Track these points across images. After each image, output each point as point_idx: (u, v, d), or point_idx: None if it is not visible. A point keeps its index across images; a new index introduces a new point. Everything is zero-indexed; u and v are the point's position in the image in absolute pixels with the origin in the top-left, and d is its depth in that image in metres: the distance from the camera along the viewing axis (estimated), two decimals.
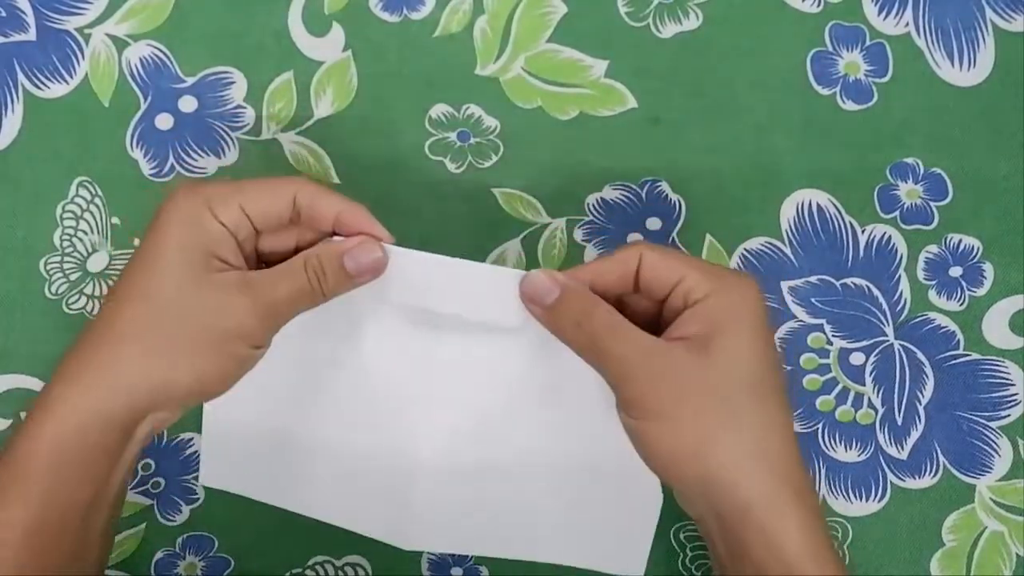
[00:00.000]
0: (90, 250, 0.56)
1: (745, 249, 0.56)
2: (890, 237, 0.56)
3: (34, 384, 0.56)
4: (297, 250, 0.49)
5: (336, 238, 0.48)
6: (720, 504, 0.46)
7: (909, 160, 0.56)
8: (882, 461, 0.58)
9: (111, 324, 0.46)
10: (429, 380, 0.50)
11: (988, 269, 0.57)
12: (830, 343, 0.57)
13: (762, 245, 0.56)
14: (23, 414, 0.56)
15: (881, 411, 0.57)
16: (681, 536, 0.58)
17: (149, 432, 0.47)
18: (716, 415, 0.45)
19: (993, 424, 0.57)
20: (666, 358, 0.45)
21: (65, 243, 0.55)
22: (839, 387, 0.57)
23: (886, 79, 0.56)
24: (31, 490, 0.44)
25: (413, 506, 0.51)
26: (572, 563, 0.53)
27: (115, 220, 0.55)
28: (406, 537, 0.52)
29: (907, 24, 0.56)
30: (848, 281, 0.56)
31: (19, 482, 0.45)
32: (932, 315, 0.57)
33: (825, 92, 0.56)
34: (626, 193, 0.56)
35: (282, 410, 0.52)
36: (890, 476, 0.58)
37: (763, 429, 0.46)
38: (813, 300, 0.57)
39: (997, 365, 0.57)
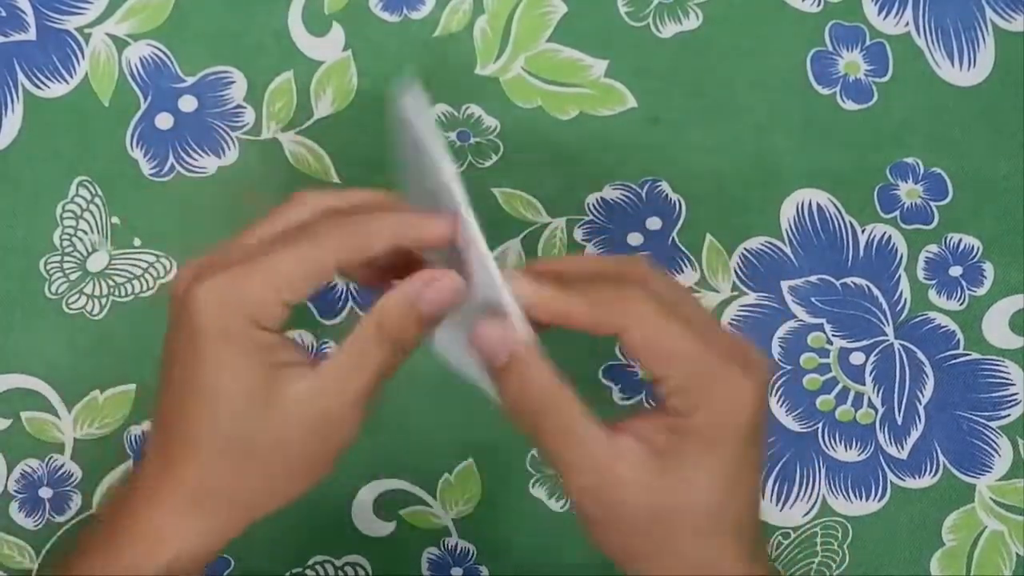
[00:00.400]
0: (90, 250, 0.56)
1: (745, 249, 0.56)
2: (890, 237, 0.56)
3: (34, 384, 0.56)
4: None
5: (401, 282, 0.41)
6: None
7: (909, 160, 0.56)
8: (882, 461, 0.58)
9: (195, 469, 0.41)
10: None
11: (988, 269, 0.57)
12: (830, 343, 0.57)
13: (762, 245, 0.56)
14: (23, 415, 0.56)
15: (881, 411, 0.57)
16: None
17: None
18: (658, 533, 0.41)
19: (993, 424, 0.57)
20: (613, 470, 0.40)
21: (65, 243, 0.55)
22: (839, 387, 0.57)
23: (886, 79, 0.56)
24: None
25: None
26: None
27: (115, 220, 0.55)
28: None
29: (907, 24, 0.56)
30: (848, 281, 0.56)
31: None
32: (932, 315, 0.57)
33: (825, 92, 0.56)
34: (626, 193, 0.56)
35: None
36: (890, 476, 0.58)
37: (701, 548, 0.41)
38: (813, 300, 0.57)
39: (997, 365, 0.57)
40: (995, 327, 0.57)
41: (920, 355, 0.57)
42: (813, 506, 0.58)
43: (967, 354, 0.57)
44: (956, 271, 0.57)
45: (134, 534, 0.42)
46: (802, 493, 0.58)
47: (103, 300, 0.56)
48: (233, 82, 0.55)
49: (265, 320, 0.40)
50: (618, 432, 0.41)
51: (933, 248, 0.57)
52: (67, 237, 0.55)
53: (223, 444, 0.41)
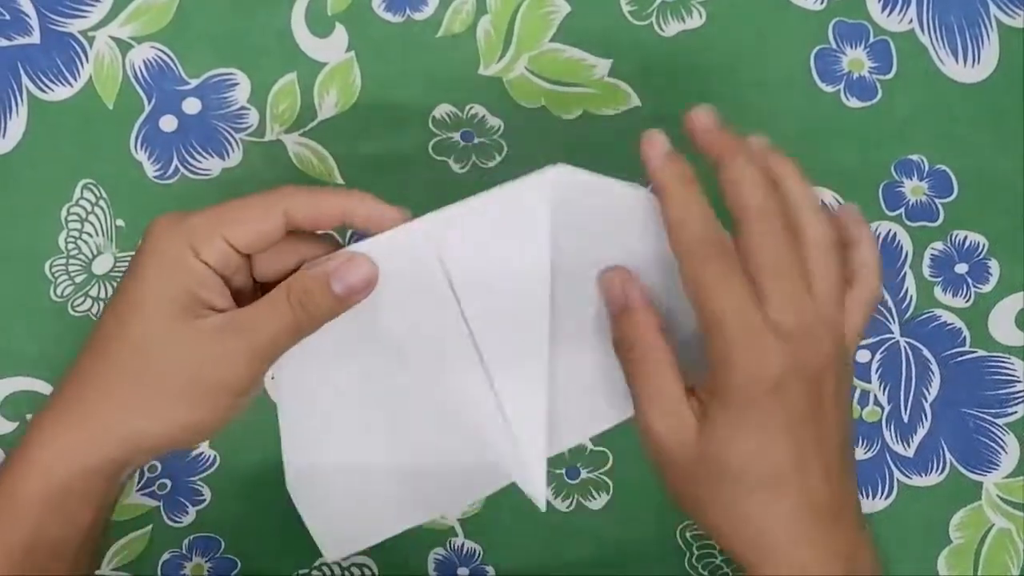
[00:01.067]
0: (95, 252, 0.56)
1: None
2: (895, 234, 0.56)
3: (40, 387, 0.56)
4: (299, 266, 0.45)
5: (315, 260, 0.44)
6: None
7: (914, 157, 0.56)
8: (889, 459, 0.58)
9: (91, 373, 0.44)
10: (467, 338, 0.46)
11: (994, 266, 0.56)
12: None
13: None
14: (29, 417, 0.56)
15: (887, 408, 0.57)
16: (688, 535, 0.58)
17: (130, 473, 0.46)
18: (701, 494, 0.43)
19: (1000, 421, 0.57)
20: (672, 420, 0.43)
21: (70, 245, 0.55)
22: None
23: (890, 76, 0.56)
24: (11, 539, 0.43)
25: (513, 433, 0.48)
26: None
27: (120, 222, 0.56)
28: (523, 467, 0.48)
29: (911, 21, 0.56)
30: None
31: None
32: (938, 312, 0.57)
33: (829, 89, 0.56)
34: None
35: (358, 447, 0.49)
36: (897, 474, 0.58)
37: (744, 509, 0.42)
38: None
39: (1003, 362, 0.57)
40: (1001, 324, 0.57)
41: (926, 352, 0.57)
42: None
43: (973, 351, 0.57)
44: (962, 268, 0.57)
45: (12, 456, 0.44)
46: None
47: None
48: (237, 84, 0.55)
49: (203, 252, 0.42)
50: (691, 394, 0.43)
51: (938, 245, 0.56)
52: (72, 240, 0.55)
53: (116, 354, 0.43)
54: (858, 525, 0.44)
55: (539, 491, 0.48)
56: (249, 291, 0.45)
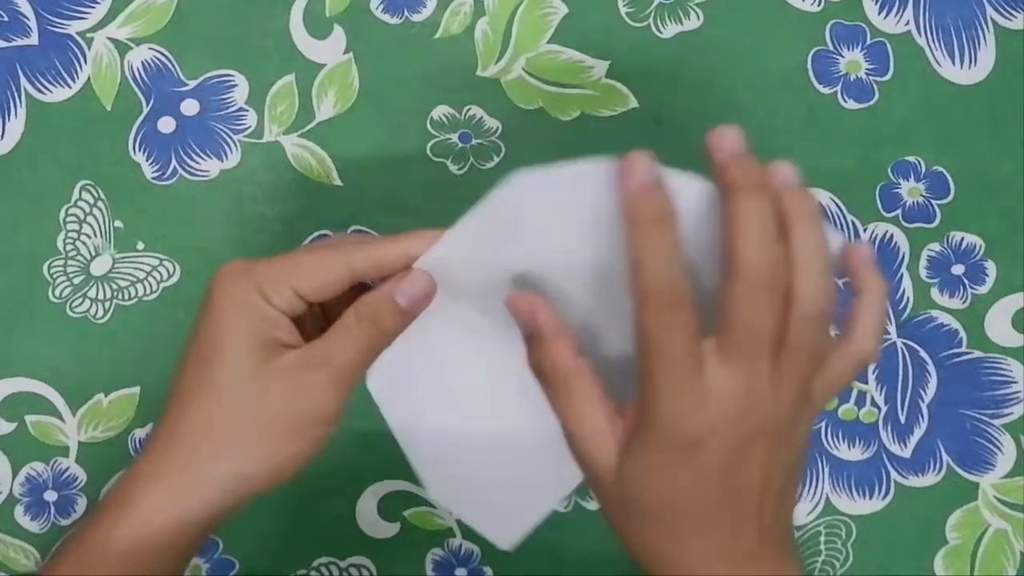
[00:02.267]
0: (93, 254, 0.56)
1: None
2: (892, 235, 0.56)
3: (38, 388, 0.56)
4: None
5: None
6: None
7: (910, 158, 0.56)
8: (885, 459, 0.58)
9: (182, 421, 0.44)
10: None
11: (990, 267, 0.57)
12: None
13: None
14: (28, 418, 0.56)
15: (884, 409, 0.57)
16: None
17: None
18: (623, 520, 0.42)
19: (996, 422, 0.57)
20: (598, 449, 0.42)
21: (68, 247, 0.55)
22: None
23: (887, 78, 0.56)
24: None
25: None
26: None
27: (118, 223, 0.56)
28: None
29: (908, 23, 0.56)
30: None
31: None
32: (935, 313, 0.57)
33: (826, 91, 0.56)
34: None
35: (480, 427, 0.50)
36: (893, 474, 0.58)
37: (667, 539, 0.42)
38: None
39: (1000, 363, 0.57)
40: (998, 325, 0.57)
41: (923, 353, 0.57)
42: (817, 505, 0.58)
43: (970, 352, 0.57)
44: (958, 269, 0.57)
45: (107, 503, 0.44)
46: (806, 492, 0.58)
47: (107, 304, 0.56)
48: (235, 85, 0.55)
49: (273, 297, 0.43)
50: (620, 416, 0.41)
51: (935, 247, 0.57)
52: (70, 241, 0.55)
53: (206, 406, 0.43)
54: (781, 561, 0.42)
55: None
56: (317, 326, 0.46)
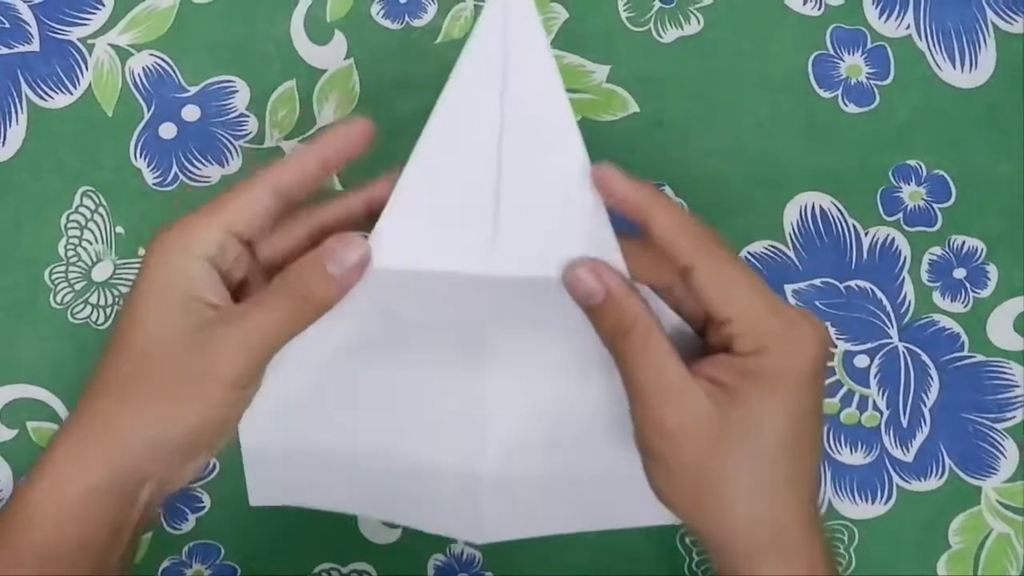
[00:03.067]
0: (95, 260, 0.56)
1: (748, 252, 0.56)
2: (893, 239, 0.56)
3: (40, 394, 0.56)
4: (310, 242, 0.46)
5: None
6: (710, 553, 0.45)
7: (911, 162, 0.56)
8: (887, 463, 0.58)
9: (101, 383, 0.44)
10: (479, 370, 0.48)
11: (992, 270, 0.57)
12: (834, 346, 0.57)
13: (765, 248, 0.56)
14: (29, 424, 0.56)
15: (886, 413, 0.57)
16: (687, 540, 0.58)
17: (151, 499, 0.45)
18: (717, 474, 0.42)
19: (999, 426, 0.57)
20: (683, 400, 0.42)
21: (70, 253, 0.56)
22: (844, 390, 0.57)
23: (888, 81, 0.56)
24: (26, 550, 0.43)
25: (482, 500, 0.50)
26: (645, 522, 0.52)
27: (119, 229, 0.56)
28: (479, 531, 0.51)
29: (908, 26, 0.56)
30: (852, 284, 0.56)
31: (13, 563, 0.43)
32: (936, 317, 0.57)
33: (827, 95, 0.56)
34: None
35: (322, 420, 0.51)
36: (896, 478, 0.58)
37: (762, 498, 0.43)
38: (817, 303, 0.57)
39: (1002, 366, 0.57)
40: (1000, 329, 0.57)
41: (925, 357, 0.57)
42: (819, 509, 0.58)
43: (972, 356, 0.57)
44: (960, 273, 0.57)
45: (30, 471, 0.45)
46: None
47: (108, 310, 0.56)
48: (236, 91, 0.55)
49: (198, 247, 0.43)
50: (694, 374, 0.42)
51: (936, 250, 0.57)
52: (72, 247, 0.55)
53: (119, 366, 0.44)
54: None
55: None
56: (258, 283, 0.46)
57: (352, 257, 0.43)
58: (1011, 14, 0.56)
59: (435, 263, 0.44)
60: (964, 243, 0.56)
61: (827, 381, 0.57)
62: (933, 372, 0.57)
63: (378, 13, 0.55)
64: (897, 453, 0.58)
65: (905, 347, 0.57)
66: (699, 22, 0.55)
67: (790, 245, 0.56)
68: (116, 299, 0.56)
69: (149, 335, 0.43)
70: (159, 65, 0.55)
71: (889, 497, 0.58)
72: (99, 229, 0.56)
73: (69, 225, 0.55)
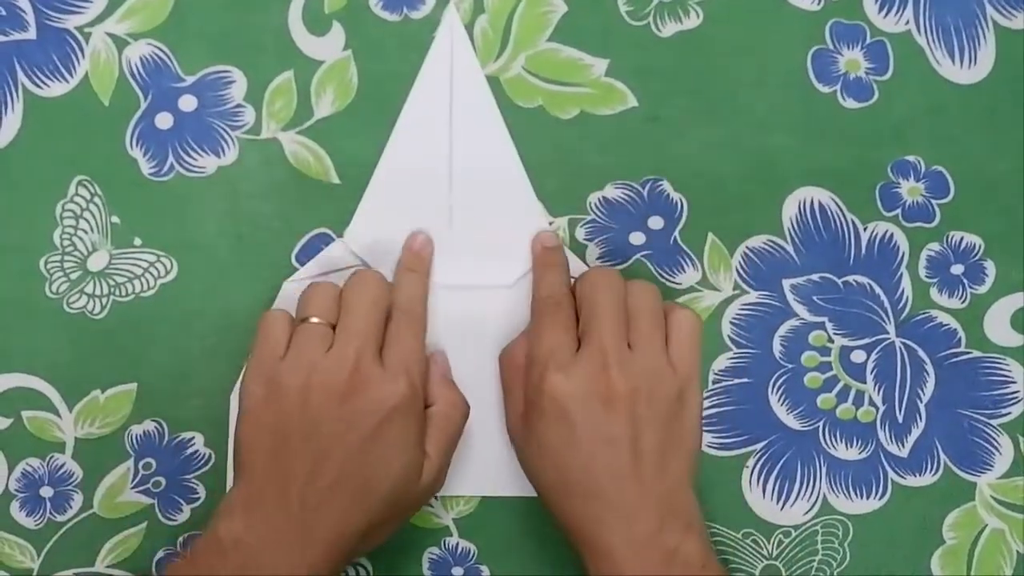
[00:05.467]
0: (90, 249, 0.56)
1: (747, 247, 0.56)
2: (892, 235, 0.56)
3: (35, 383, 0.56)
4: None
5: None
6: None
7: (910, 158, 0.56)
8: (883, 459, 0.58)
9: None
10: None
11: (990, 267, 0.57)
12: (831, 341, 0.57)
13: (764, 243, 0.56)
14: (24, 414, 0.56)
15: (882, 409, 0.57)
16: None
17: None
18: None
19: (994, 422, 0.57)
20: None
21: (65, 242, 0.55)
22: (840, 385, 0.57)
23: (887, 77, 0.56)
24: None
25: None
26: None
27: (115, 219, 0.55)
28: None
29: (908, 22, 0.56)
30: (850, 279, 0.56)
31: None
32: (934, 313, 0.57)
33: (826, 90, 0.56)
34: (628, 192, 0.56)
35: None
36: (891, 474, 0.58)
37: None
38: (815, 298, 0.57)
39: (999, 362, 0.57)
40: (997, 325, 0.57)
41: (921, 353, 0.57)
42: (814, 504, 0.58)
43: (968, 352, 0.57)
44: (958, 269, 0.57)
45: None
46: (803, 491, 0.58)
47: (104, 300, 0.56)
48: (233, 81, 0.55)
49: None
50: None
51: (935, 246, 0.57)
52: (67, 236, 0.55)
53: None
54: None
55: None
56: None
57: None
58: (1011, 10, 0.55)
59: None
60: (962, 239, 0.56)
61: (824, 376, 0.57)
62: (930, 368, 0.57)
63: (376, 4, 0.55)
64: (892, 448, 0.58)
65: (902, 343, 0.57)
66: (698, 16, 0.55)
67: (788, 240, 0.56)
68: (112, 289, 0.56)
69: None
70: (156, 54, 0.55)
71: (884, 492, 0.58)
72: (95, 219, 0.55)
73: (64, 214, 0.55)
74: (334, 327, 0.51)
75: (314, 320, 0.51)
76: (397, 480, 0.49)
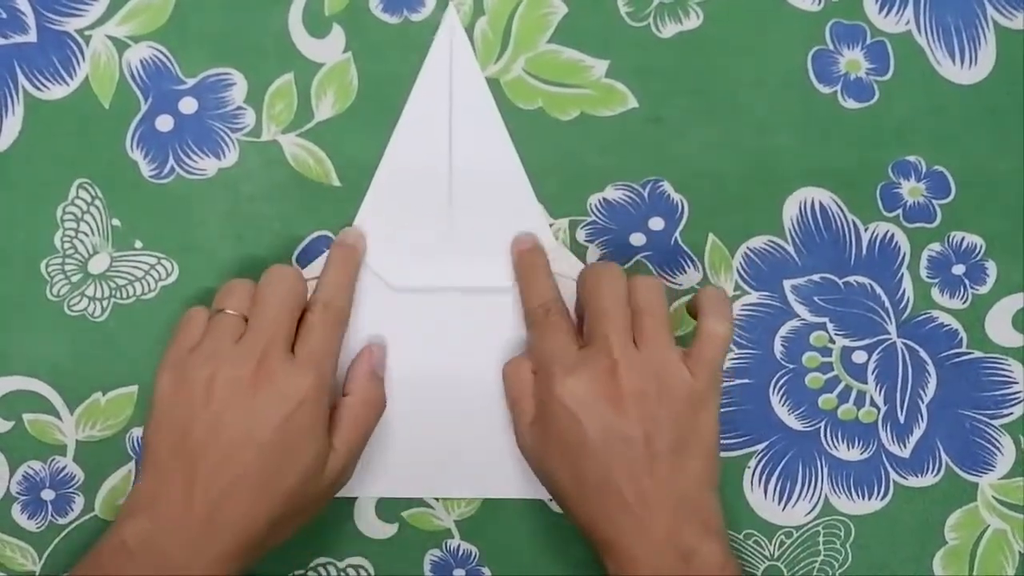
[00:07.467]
0: (91, 252, 0.56)
1: (748, 248, 0.56)
2: (893, 235, 0.56)
3: (36, 386, 0.56)
4: None
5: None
6: None
7: (911, 158, 0.56)
8: (884, 459, 0.58)
9: None
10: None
11: (991, 267, 0.57)
12: (832, 341, 0.57)
13: (764, 244, 0.56)
14: (25, 417, 0.56)
15: (883, 409, 0.57)
16: None
17: None
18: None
19: (996, 422, 0.57)
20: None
21: (66, 245, 0.55)
22: (841, 385, 0.57)
23: (887, 77, 0.56)
24: None
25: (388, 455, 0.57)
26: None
27: (116, 222, 0.55)
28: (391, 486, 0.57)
29: (908, 22, 0.56)
30: (851, 279, 0.56)
31: None
32: (935, 313, 0.57)
33: (826, 90, 0.56)
34: (628, 193, 0.56)
35: None
36: (892, 474, 0.58)
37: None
38: (816, 299, 0.56)
39: (1000, 363, 0.57)
40: (998, 325, 0.57)
41: (923, 354, 0.57)
42: (815, 505, 0.58)
43: (970, 352, 0.57)
44: (959, 269, 0.57)
45: None
46: (804, 492, 0.58)
47: (104, 302, 0.56)
48: (233, 84, 0.55)
49: None
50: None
51: (936, 246, 0.56)
52: (68, 239, 0.55)
53: None
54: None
55: None
56: None
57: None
58: (1011, 10, 0.55)
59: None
60: (963, 239, 0.56)
61: (825, 376, 0.57)
62: (931, 368, 0.57)
63: (376, 7, 0.55)
64: (894, 449, 0.58)
65: (903, 343, 0.57)
66: (698, 17, 0.55)
67: (789, 240, 0.56)
68: (112, 291, 0.56)
69: None
70: (156, 57, 0.55)
71: (886, 493, 0.58)
72: (95, 221, 0.55)
73: (65, 217, 0.55)
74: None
75: (229, 312, 0.51)
76: (303, 473, 0.49)
